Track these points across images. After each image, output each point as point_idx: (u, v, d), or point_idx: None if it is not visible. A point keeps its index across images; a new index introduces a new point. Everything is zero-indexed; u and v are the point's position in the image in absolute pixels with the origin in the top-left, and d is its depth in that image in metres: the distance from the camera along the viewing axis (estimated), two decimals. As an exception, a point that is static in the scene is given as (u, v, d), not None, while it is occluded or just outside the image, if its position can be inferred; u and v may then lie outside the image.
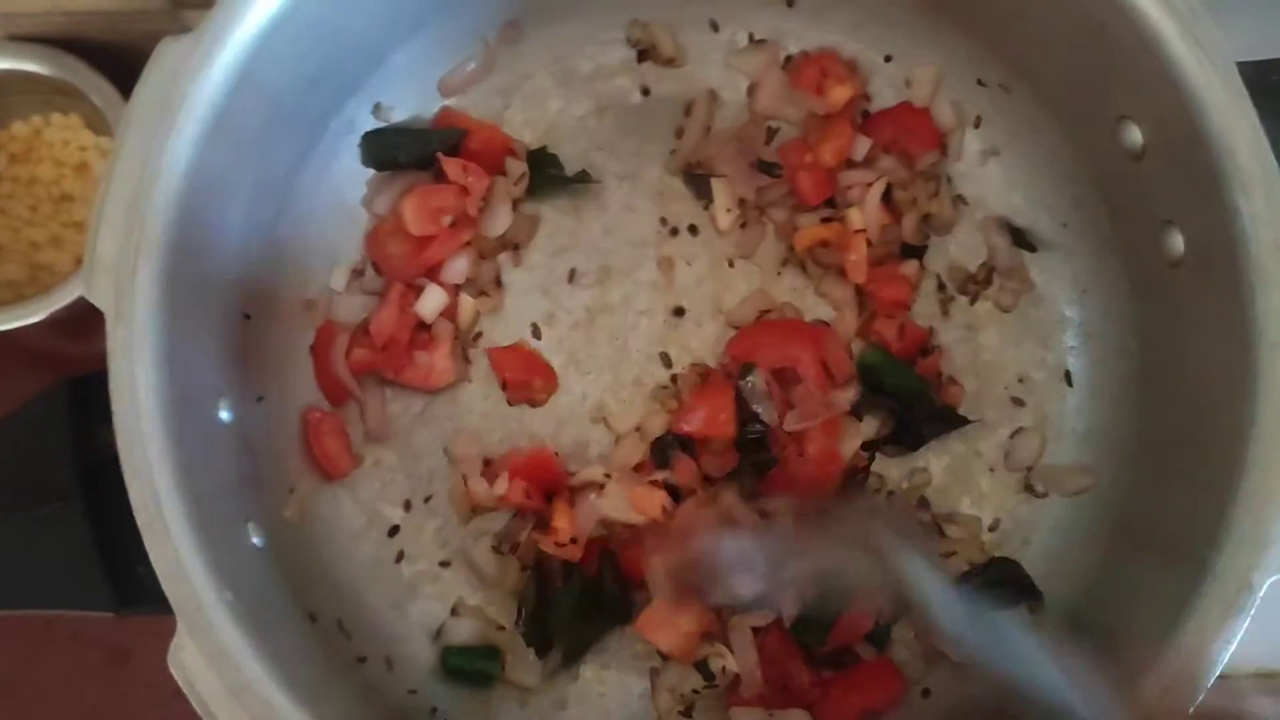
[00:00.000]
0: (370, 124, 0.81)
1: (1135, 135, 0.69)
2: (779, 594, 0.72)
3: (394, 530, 0.79)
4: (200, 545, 0.60)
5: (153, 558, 0.59)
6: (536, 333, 0.82)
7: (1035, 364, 0.81)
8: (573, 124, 0.85)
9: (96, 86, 0.85)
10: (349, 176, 0.81)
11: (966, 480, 0.80)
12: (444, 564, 0.79)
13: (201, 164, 0.64)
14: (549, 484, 0.79)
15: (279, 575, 0.70)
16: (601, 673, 0.78)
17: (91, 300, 0.62)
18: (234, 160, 0.68)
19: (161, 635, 0.60)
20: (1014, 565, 0.78)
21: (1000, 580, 0.77)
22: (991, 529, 0.80)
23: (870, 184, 0.81)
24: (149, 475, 0.60)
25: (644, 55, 0.85)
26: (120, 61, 0.85)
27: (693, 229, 0.84)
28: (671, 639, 0.75)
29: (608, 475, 0.77)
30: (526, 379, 0.81)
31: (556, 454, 0.80)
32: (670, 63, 0.85)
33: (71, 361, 0.85)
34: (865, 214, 0.80)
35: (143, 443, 0.60)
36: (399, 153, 0.81)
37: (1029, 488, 0.80)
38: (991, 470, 0.81)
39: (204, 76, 0.64)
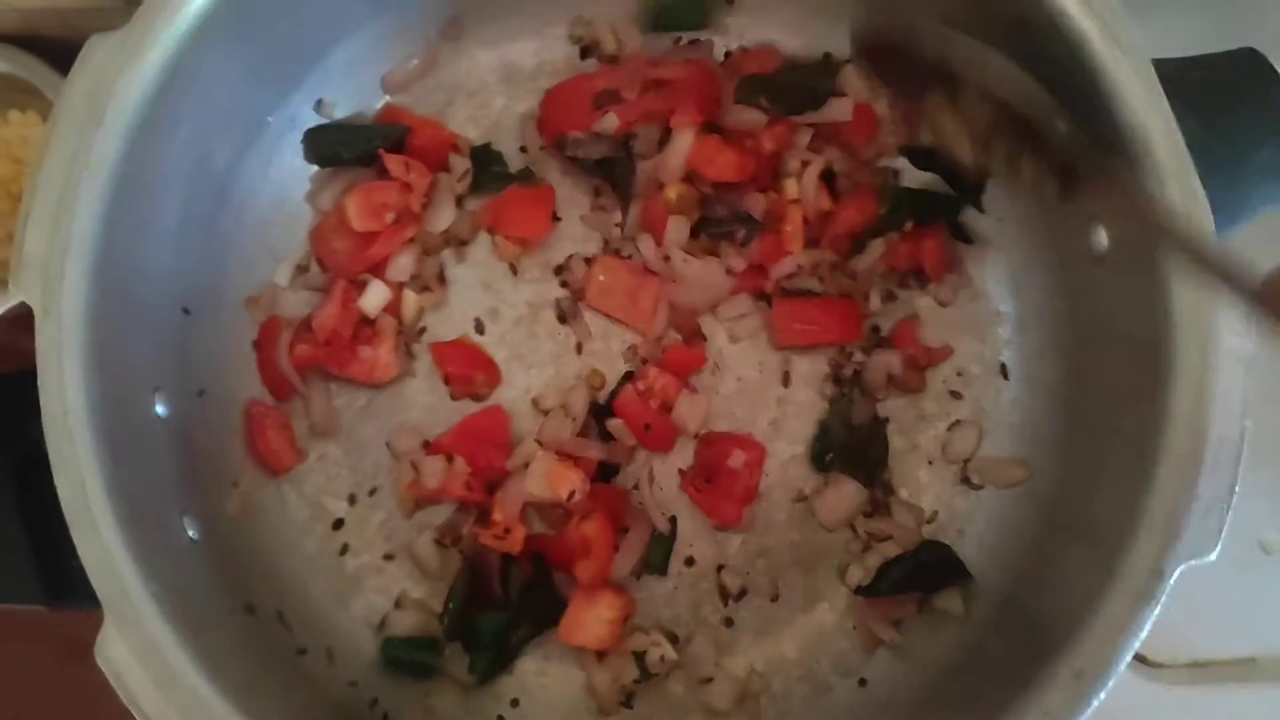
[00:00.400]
0: (313, 120, 0.81)
1: (1063, 130, 0.70)
2: None
3: (338, 523, 0.80)
4: (129, 539, 0.61)
5: (80, 551, 0.60)
6: (480, 328, 0.83)
7: (972, 358, 0.82)
8: (516, 121, 0.85)
9: (53, 84, 0.85)
10: (292, 172, 0.81)
11: (905, 472, 0.82)
12: (388, 557, 0.80)
13: (132, 159, 0.64)
14: (489, 463, 0.79)
15: (215, 568, 0.70)
16: (543, 663, 0.79)
17: (18, 295, 0.62)
18: (168, 156, 0.68)
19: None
20: (944, 548, 0.79)
21: (932, 561, 0.78)
22: (929, 520, 0.81)
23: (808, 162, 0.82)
24: (76, 470, 0.60)
25: (586, 52, 0.85)
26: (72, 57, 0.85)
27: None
28: (595, 634, 0.76)
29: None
30: (469, 373, 0.82)
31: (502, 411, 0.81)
32: (613, 60, 0.85)
33: (29, 357, 0.86)
34: (802, 189, 0.81)
35: (70, 438, 0.60)
36: (342, 149, 0.81)
37: (966, 480, 0.81)
38: (930, 463, 0.82)
39: (132, 72, 0.64)
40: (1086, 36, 0.65)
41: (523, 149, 0.84)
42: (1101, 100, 0.65)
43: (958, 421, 0.81)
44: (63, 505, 0.60)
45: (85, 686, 0.89)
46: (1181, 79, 0.66)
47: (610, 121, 0.80)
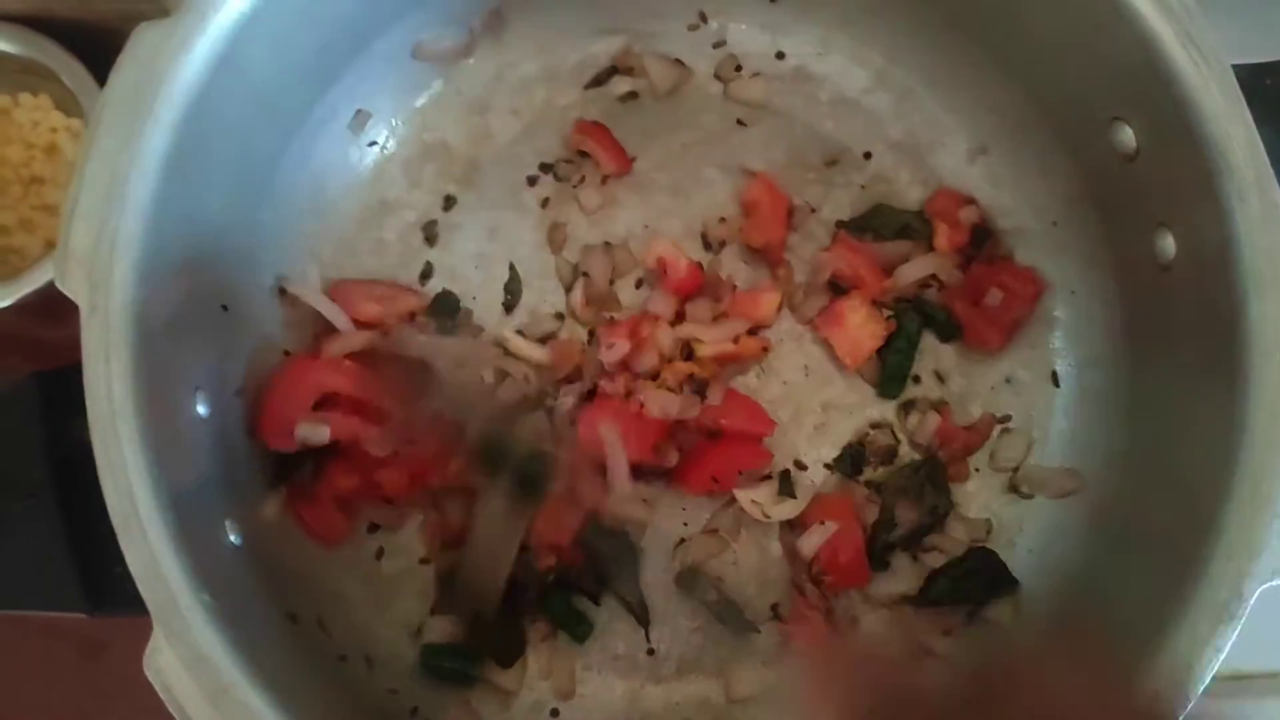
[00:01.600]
0: (350, 113, 0.79)
1: (1128, 136, 0.69)
2: None
3: (374, 527, 0.78)
4: (177, 546, 0.58)
5: (129, 559, 0.58)
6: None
7: (1022, 364, 0.81)
8: (557, 114, 0.83)
9: (67, 67, 0.83)
10: (330, 163, 0.79)
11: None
12: (424, 561, 0.78)
13: (180, 152, 0.62)
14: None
15: (257, 574, 0.68)
16: (583, 674, 0.77)
17: (65, 292, 0.60)
18: (213, 149, 0.66)
19: (135, 629, 0.58)
20: (990, 554, 0.78)
21: (978, 569, 0.77)
22: (987, 534, 0.79)
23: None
24: (124, 474, 0.58)
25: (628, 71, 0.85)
26: (92, 41, 0.83)
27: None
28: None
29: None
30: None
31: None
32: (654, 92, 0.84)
33: (42, 347, 0.84)
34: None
35: (118, 441, 0.58)
36: None
37: (1014, 488, 0.80)
38: (977, 470, 0.80)
39: (182, 62, 0.62)
40: (1161, 39, 0.64)
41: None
42: (1177, 108, 0.64)
43: (1006, 429, 0.80)
44: (110, 511, 0.58)
45: (101, 687, 0.89)
46: (1251, 86, 0.65)
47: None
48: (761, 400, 0.80)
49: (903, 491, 0.79)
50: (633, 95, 0.84)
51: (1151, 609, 0.62)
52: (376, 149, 0.82)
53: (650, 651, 0.77)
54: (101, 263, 0.60)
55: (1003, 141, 0.81)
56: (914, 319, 0.80)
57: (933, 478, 0.79)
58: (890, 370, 0.80)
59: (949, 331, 0.81)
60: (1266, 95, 0.66)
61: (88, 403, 0.59)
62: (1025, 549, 0.78)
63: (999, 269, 0.80)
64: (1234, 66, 0.64)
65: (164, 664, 0.57)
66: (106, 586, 0.63)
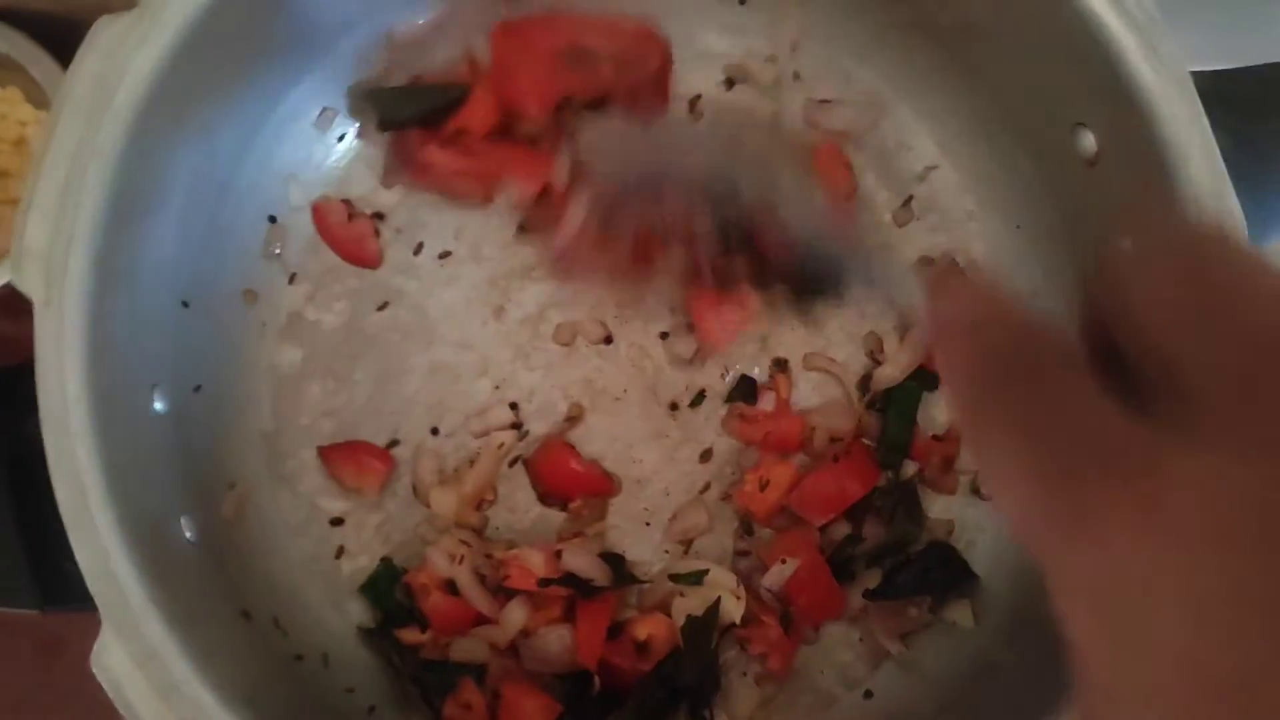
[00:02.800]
0: (314, 112, 0.79)
1: (1090, 142, 0.69)
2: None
3: (336, 521, 0.78)
4: (129, 543, 0.58)
5: (79, 556, 0.57)
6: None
7: (985, 367, 0.81)
8: (526, 114, 0.83)
9: (36, 59, 0.82)
10: (296, 162, 0.79)
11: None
12: (385, 560, 0.78)
13: (140, 147, 0.62)
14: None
15: (212, 572, 0.68)
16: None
17: (19, 287, 0.59)
18: (175, 144, 0.66)
19: (94, 626, 0.58)
20: (949, 549, 0.78)
21: (938, 564, 0.77)
22: (949, 533, 0.80)
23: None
24: (76, 471, 0.58)
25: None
26: (61, 34, 0.82)
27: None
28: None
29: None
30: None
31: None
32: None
33: (6, 343, 0.83)
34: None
35: (70, 437, 0.58)
36: (391, 109, 0.78)
37: (975, 490, 0.80)
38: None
39: (143, 56, 0.61)
40: (1123, 46, 0.64)
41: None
42: (1136, 114, 0.64)
43: (969, 432, 0.80)
44: (60, 508, 0.58)
45: (57, 684, 0.88)
46: (1211, 94, 0.65)
47: None
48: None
49: (874, 510, 0.79)
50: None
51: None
52: (343, 147, 0.81)
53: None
54: (57, 258, 0.59)
55: (968, 146, 0.81)
56: (912, 387, 0.80)
57: (906, 503, 0.79)
58: (891, 441, 0.79)
59: (932, 382, 0.81)
60: (1226, 102, 0.66)
61: (39, 398, 0.58)
62: (985, 552, 0.78)
63: None
64: (1194, 73, 0.64)
65: (113, 661, 0.57)
66: (58, 583, 0.62)
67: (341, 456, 0.78)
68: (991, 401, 0.36)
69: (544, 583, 0.72)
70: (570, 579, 0.73)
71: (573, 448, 0.79)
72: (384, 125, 0.79)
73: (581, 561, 0.74)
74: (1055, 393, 0.34)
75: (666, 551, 0.79)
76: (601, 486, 0.78)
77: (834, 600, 0.77)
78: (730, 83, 0.83)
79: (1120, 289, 0.36)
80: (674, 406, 0.80)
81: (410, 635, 0.75)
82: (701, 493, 0.79)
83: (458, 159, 0.77)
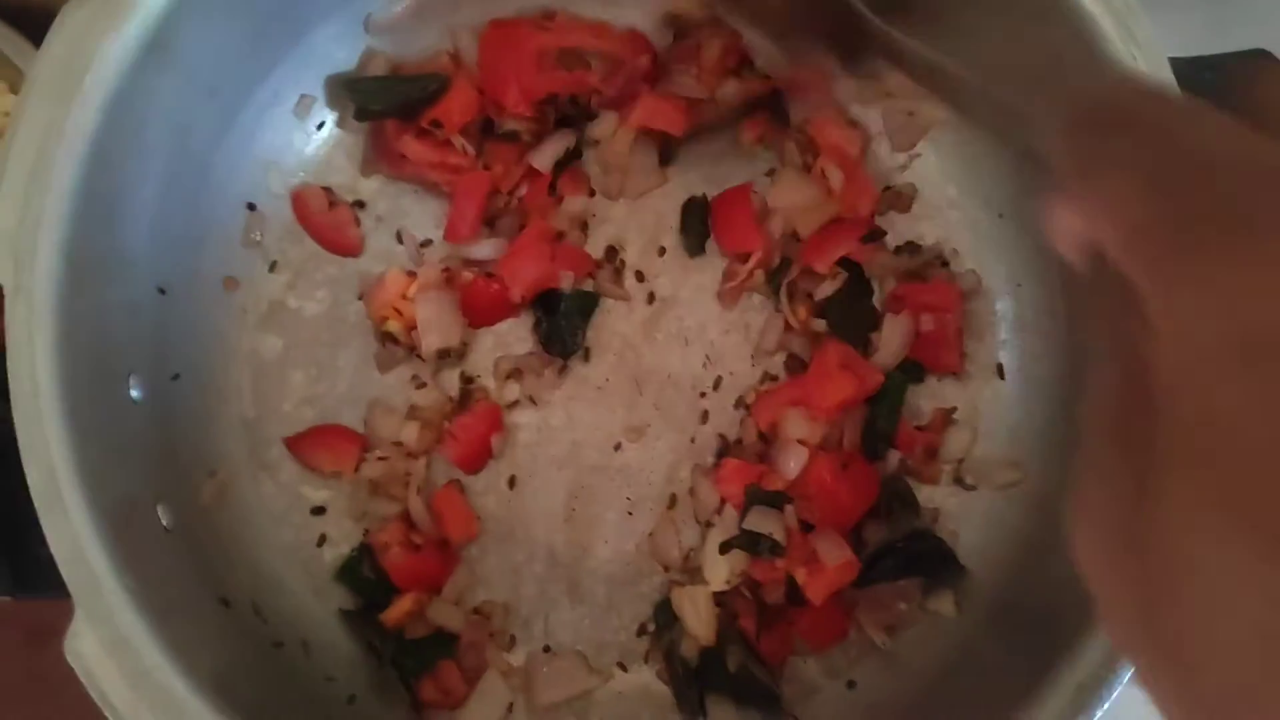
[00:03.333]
0: (294, 97, 0.78)
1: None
2: None
3: (318, 510, 0.78)
4: (102, 529, 0.58)
5: (51, 542, 0.57)
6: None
7: (968, 357, 0.80)
8: (507, 101, 0.82)
9: (19, 49, 0.82)
10: (276, 149, 0.78)
11: (897, 471, 0.80)
12: (362, 545, 0.77)
13: (110, 133, 0.62)
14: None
15: (190, 559, 0.68)
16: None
17: (-16, 271, 0.59)
18: (147, 129, 0.65)
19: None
20: (933, 537, 0.77)
21: (923, 553, 0.77)
22: (933, 521, 0.79)
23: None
24: (47, 455, 0.58)
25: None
26: (45, 24, 0.81)
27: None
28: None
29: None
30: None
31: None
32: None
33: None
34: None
35: (41, 422, 0.58)
36: (370, 100, 0.78)
37: (959, 480, 0.79)
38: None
39: (112, 41, 0.61)
40: (1100, 32, 0.64)
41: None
42: (1114, 98, 0.63)
43: (952, 421, 0.80)
44: (32, 493, 0.57)
45: (46, 673, 0.88)
46: (1190, 80, 0.65)
47: None
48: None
49: (869, 513, 0.78)
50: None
51: (1083, 598, 0.62)
52: (323, 134, 0.81)
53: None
54: (26, 242, 0.59)
55: (950, 134, 0.81)
56: (899, 379, 0.79)
57: (900, 497, 0.79)
58: (879, 434, 0.79)
59: (919, 373, 0.80)
60: (1205, 88, 0.65)
61: (10, 383, 0.58)
62: (968, 542, 0.78)
63: (917, 291, 0.80)
64: (1173, 60, 0.64)
65: (85, 647, 0.57)
66: (32, 569, 0.62)
67: (311, 444, 0.77)
68: (1108, 142, 0.34)
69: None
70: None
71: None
72: (361, 115, 0.79)
73: None
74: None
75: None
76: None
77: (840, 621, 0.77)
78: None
79: None
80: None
81: (394, 613, 0.75)
82: (669, 508, 0.80)
83: (433, 151, 0.77)
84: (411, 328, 0.77)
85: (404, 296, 0.77)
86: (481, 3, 0.81)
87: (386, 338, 0.78)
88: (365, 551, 0.77)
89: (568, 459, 0.79)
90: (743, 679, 0.75)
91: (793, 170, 0.80)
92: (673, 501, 0.79)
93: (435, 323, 0.76)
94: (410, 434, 0.77)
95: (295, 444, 0.77)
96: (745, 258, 0.79)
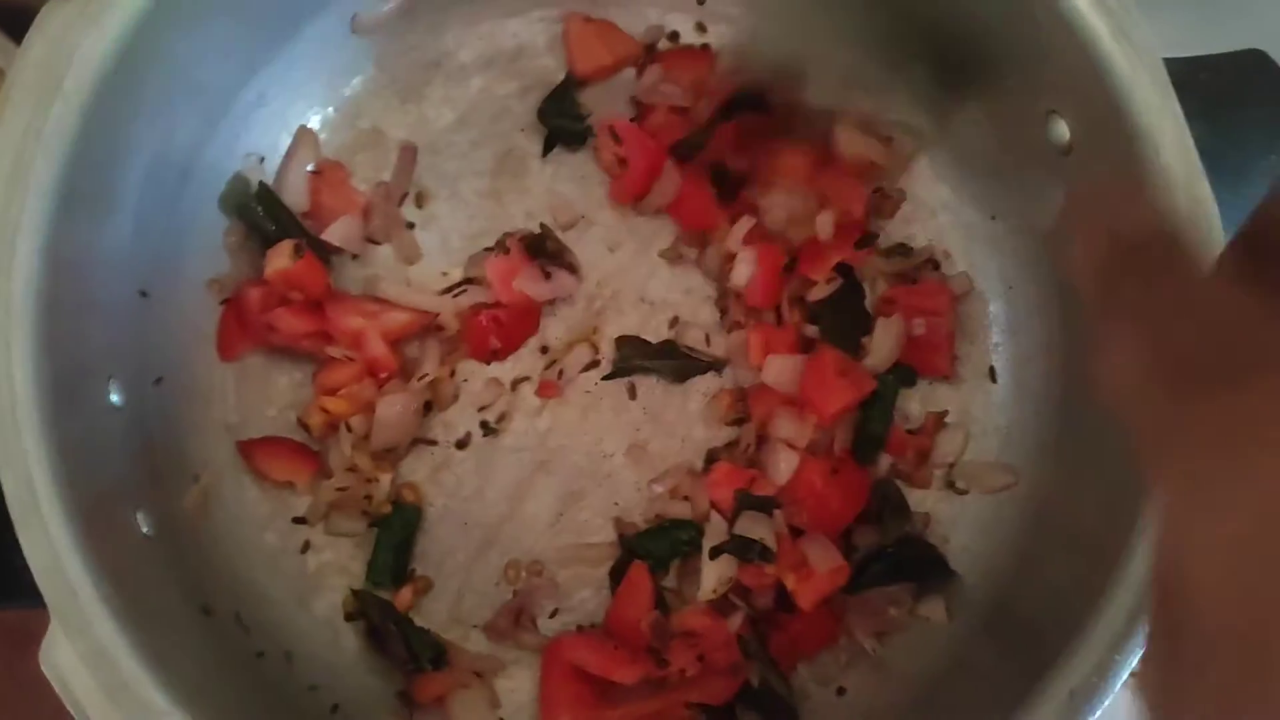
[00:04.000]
0: (281, 94, 0.77)
1: (1063, 130, 0.68)
2: None
3: (301, 519, 0.76)
4: (79, 538, 0.57)
5: (26, 551, 0.56)
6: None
7: (960, 359, 0.80)
8: (493, 103, 0.82)
9: (4, 49, 0.81)
10: (260, 150, 0.77)
11: (888, 475, 0.79)
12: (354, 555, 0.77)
13: (91, 134, 0.60)
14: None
15: (170, 567, 0.66)
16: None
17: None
18: (129, 131, 0.64)
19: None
20: (923, 543, 0.77)
21: (914, 558, 0.76)
22: (924, 526, 0.79)
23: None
24: (24, 465, 0.56)
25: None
26: (26, 22, 0.80)
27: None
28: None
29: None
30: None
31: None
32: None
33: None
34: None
35: (18, 430, 0.56)
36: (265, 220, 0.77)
37: (950, 484, 0.79)
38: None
39: (93, 40, 0.60)
40: (1096, 32, 0.63)
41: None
42: (1109, 102, 0.63)
43: (944, 425, 0.79)
44: (9, 503, 0.56)
45: (27, 679, 0.87)
46: (1186, 80, 0.64)
47: None
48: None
49: (859, 518, 0.77)
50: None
51: (1075, 604, 0.62)
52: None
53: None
54: (4, 246, 0.58)
55: (943, 134, 0.80)
56: (891, 382, 0.79)
57: (891, 502, 0.78)
58: (871, 438, 0.78)
59: (910, 377, 0.80)
60: (1200, 89, 0.65)
61: (-14, 390, 0.57)
62: (960, 546, 0.77)
63: (908, 293, 0.79)
64: (1168, 60, 0.63)
65: (60, 658, 0.56)
66: (9, 579, 0.61)
67: (263, 453, 0.76)
68: (1120, 292, 0.37)
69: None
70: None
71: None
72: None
73: None
74: (1183, 284, 0.36)
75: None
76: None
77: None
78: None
79: None
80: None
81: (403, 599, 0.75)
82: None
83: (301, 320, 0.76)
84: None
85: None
86: (470, 3, 0.80)
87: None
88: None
89: (556, 464, 0.78)
90: (765, 694, 0.74)
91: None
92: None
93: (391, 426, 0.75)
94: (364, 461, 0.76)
95: (247, 449, 0.76)
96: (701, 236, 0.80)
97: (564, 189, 0.81)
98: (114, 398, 0.66)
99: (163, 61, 0.65)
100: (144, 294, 0.70)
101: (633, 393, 0.79)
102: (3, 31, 0.79)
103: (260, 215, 0.76)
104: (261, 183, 0.77)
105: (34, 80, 0.59)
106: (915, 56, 0.77)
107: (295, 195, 0.78)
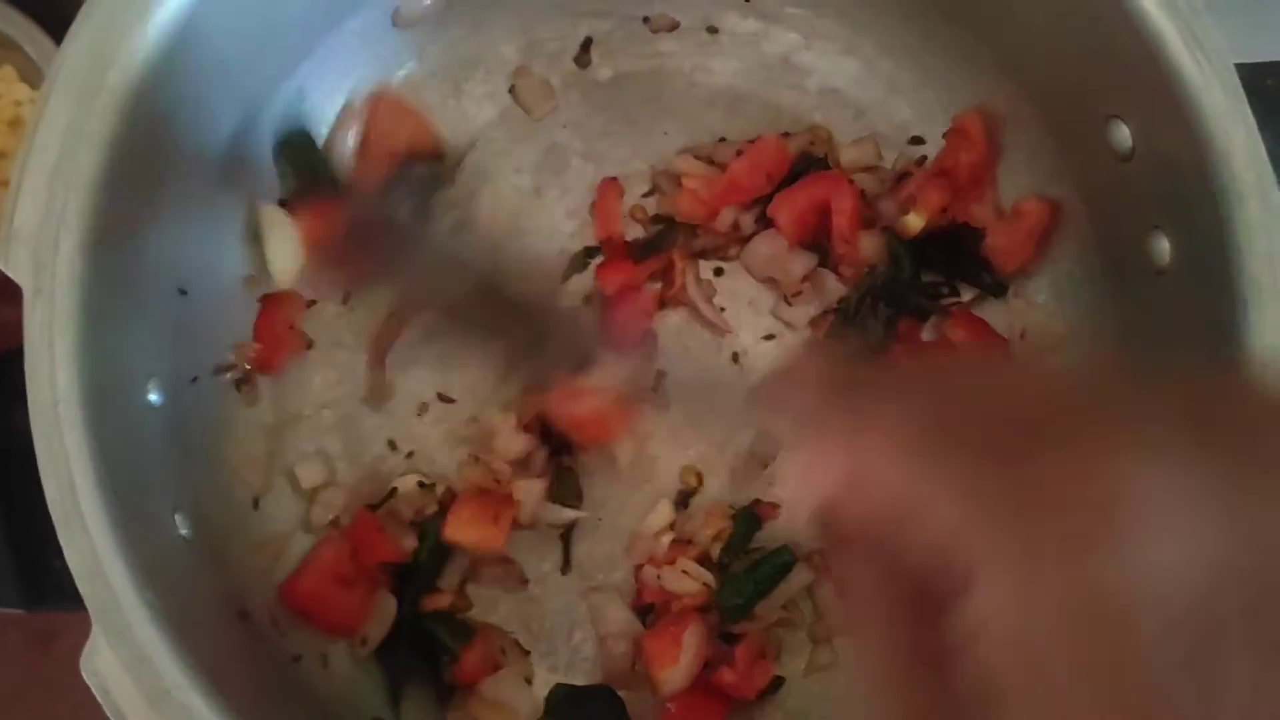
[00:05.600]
0: (320, 89, 0.76)
1: (1125, 135, 0.66)
2: None
3: (335, 520, 0.75)
4: (121, 542, 0.56)
5: (68, 555, 0.55)
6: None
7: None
8: (535, 99, 0.80)
9: (31, 37, 0.80)
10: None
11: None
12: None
13: (134, 128, 0.59)
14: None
15: (209, 569, 0.66)
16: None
17: (8, 273, 0.57)
18: (171, 124, 0.63)
19: (85, 620, 0.55)
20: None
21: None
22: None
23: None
24: (66, 466, 0.55)
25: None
26: (57, 10, 0.78)
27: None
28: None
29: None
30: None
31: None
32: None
33: (5, 329, 0.81)
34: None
35: (60, 431, 0.55)
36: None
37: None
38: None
39: (139, 31, 0.59)
40: (1163, 35, 0.61)
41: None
42: (1176, 107, 0.61)
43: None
44: (50, 505, 0.55)
45: (49, 678, 0.86)
46: (1254, 86, 0.63)
47: None
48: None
49: None
50: (616, 81, 0.81)
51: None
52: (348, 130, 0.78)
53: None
54: (47, 242, 0.57)
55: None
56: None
57: None
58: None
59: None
60: (1267, 96, 0.63)
61: (29, 389, 0.56)
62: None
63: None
64: (1239, 66, 0.62)
65: (102, 665, 0.55)
66: (46, 581, 0.60)
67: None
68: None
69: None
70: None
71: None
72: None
73: None
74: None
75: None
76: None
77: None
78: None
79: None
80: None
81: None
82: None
83: None
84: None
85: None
86: (514, 23, 0.80)
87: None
88: None
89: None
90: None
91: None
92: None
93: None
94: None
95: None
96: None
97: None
98: (153, 397, 0.65)
99: (205, 55, 0.64)
100: (183, 291, 0.69)
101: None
102: (41, 28, 0.79)
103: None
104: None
105: (79, 73, 0.58)
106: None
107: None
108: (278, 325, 0.75)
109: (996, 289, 0.78)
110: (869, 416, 0.33)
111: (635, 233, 0.80)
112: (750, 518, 0.75)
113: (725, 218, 0.78)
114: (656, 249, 0.78)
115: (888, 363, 0.34)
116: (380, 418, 0.77)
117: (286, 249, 0.73)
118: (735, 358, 0.79)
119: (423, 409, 0.77)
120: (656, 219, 0.79)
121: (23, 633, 0.86)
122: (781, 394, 0.37)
